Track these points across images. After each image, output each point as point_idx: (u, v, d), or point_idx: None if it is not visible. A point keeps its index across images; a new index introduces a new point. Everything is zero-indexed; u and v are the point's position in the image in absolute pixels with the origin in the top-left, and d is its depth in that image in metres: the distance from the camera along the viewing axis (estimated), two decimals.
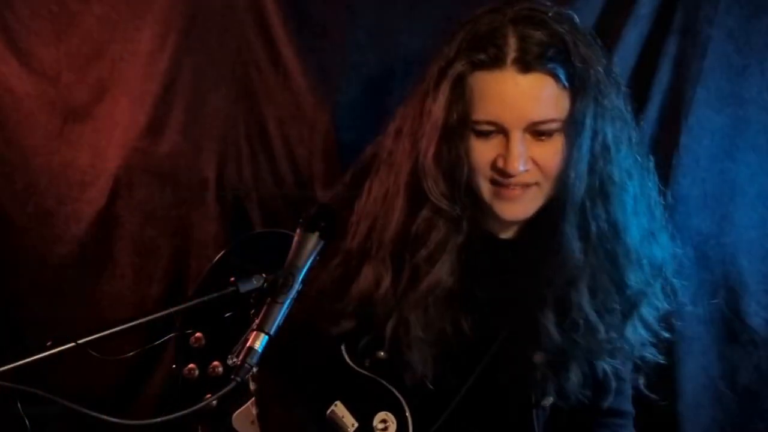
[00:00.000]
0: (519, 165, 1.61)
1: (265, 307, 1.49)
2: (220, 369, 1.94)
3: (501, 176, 1.65)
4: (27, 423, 1.43)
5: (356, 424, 1.80)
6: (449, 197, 1.69)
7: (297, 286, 1.51)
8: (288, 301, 1.49)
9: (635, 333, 1.79)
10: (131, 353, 1.62)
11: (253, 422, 1.90)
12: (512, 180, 1.64)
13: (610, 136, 1.67)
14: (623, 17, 2.27)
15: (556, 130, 1.64)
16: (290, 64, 2.46)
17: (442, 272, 1.72)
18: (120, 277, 2.64)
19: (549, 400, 1.83)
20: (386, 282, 1.75)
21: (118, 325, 1.46)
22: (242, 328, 1.90)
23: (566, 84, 1.62)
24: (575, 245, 1.68)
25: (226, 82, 2.54)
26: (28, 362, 1.37)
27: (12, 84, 2.64)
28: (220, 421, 1.94)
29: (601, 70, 1.67)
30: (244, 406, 1.93)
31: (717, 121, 2.28)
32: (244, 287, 1.50)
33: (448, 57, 1.67)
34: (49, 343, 1.41)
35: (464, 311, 1.75)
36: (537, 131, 1.63)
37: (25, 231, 2.70)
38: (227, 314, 1.60)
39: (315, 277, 1.65)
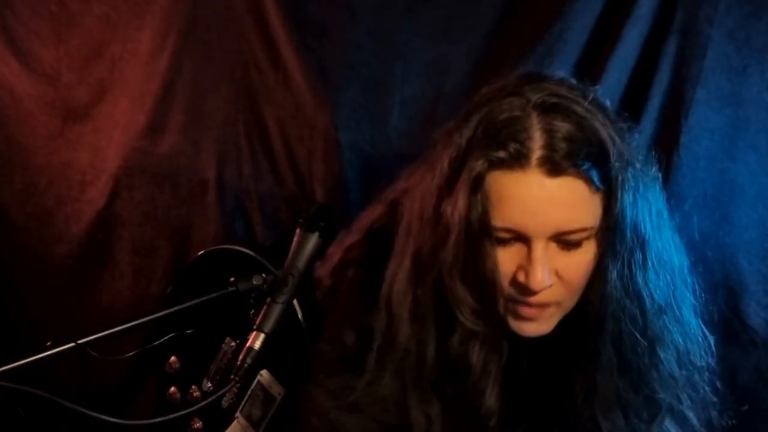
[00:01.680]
0: (543, 279, 1.39)
1: (264, 307, 1.49)
2: (198, 394, 1.96)
3: (521, 293, 1.43)
4: (27, 424, 1.43)
5: None
6: (483, 316, 1.46)
7: (296, 286, 1.51)
8: (287, 300, 1.50)
9: None
10: (131, 353, 1.62)
11: None
12: (533, 298, 1.42)
13: (648, 235, 1.46)
14: (623, 17, 2.27)
15: (587, 237, 1.42)
16: (290, 64, 2.46)
17: (493, 399, 1.49)
18: (120, 277, 2.64)
19: None
20: (438, 418, 1.52)
21: (118, 325, 1.46)
22: (213, 352, 1.92)
23: (601, 187, 1.39)
24: (611, 354, 1.47)
25: (226, 82, 2.54)
26: (28, 362, 1.37)
27: (12, 84, 2.64)
28: None
29: (639, 165, 1.46)
30: (231, 426, 1.94)
31: (717, 121, 2.27)
32: (244, 287, 1.50)
33: (461, 147, 1.43)
34: (49, 343, 1.41)
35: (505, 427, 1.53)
36: (565, 241, 1.41)
37: (25, 231, 2.70)
38: (192, 331, 1.58)
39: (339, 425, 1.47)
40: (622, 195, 1.40)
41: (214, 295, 1.50)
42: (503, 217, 1.39)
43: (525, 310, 1.45)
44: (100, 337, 1.44)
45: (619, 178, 1.40)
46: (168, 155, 2.56)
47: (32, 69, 2.64)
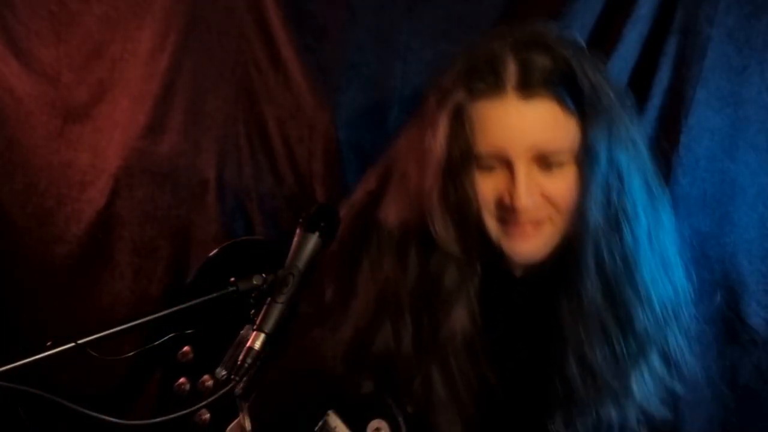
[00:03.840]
0: (526, 198, 1.50)
1: (265, 307, 1.49)
2: (210, 383, 1.95)
3: (509, 213, 1.54)
4: (27, 424, 1.43)
5: None
6: (460, 240, 1.58)
7: (296, 286, 1.51)
8: (287, 300, 1.49)
9: (641, 381, 1.67)
10: (131, 353, 1.62)
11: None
12: (521, 217, 1.53)
13: (624, 166, 1.55)
14: (623, 17, 2.27)
15: (567, 161, 1.53)
16: (290, 64, 2.46)
17: (460, 319, 1.59)
18: (120, 277, 2.64)
19: None
20: (408, 338, 1.63)
21: (118, 325, 1.46)
22: (229, 340, 1.92)
23: (574, 110, 1.52)
24: (595, 285, 1.56)
25: (226, 82, 2.54)
26: (28, 362, 1.37)
27: (12, 84, 2.64)
28: None
29: (612, 96, 1.56)
30: (236, 420, 1.94)
31: (717, 121, 2.28)
32: (244, 287, 1.50)
33: (445, 87, 1.57)
34: (49, 343, 1.41)
35: (488, 362, 1.62)
36: (545, 162, 1.52)
37: (25, 231, 2.69)
38: (217, 321, 1.58)
39: (321, 340, 1.56)
40: (595, 120, 1.50)
41: (214, 295, 1.50)
42: (486, 143, 1.50)
43: (518, 229, 1.53)
44: (100, 337, 1.44)
45: (592, 103, 1.50)
46: (168, 155, 2.56)
47: (32, 69, 2.64)
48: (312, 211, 1.58)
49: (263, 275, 1.51)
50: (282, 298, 1.49)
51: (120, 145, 2.59)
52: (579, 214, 1.53)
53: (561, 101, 1.50)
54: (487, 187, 1.54)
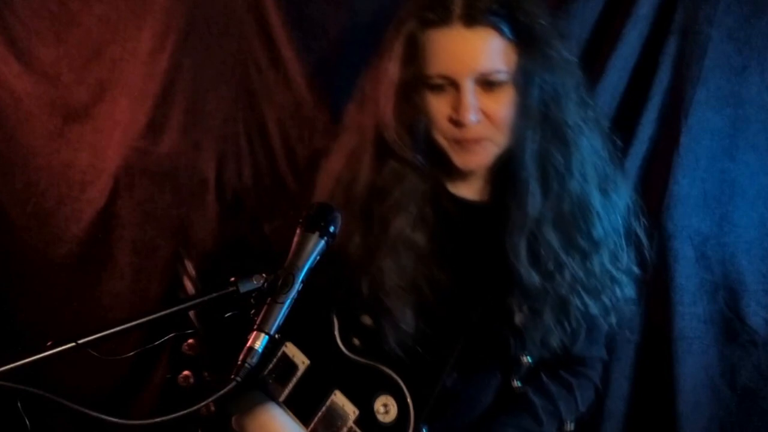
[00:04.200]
0: (470, 114, 1.70)
1: (265, 307, 1.49)
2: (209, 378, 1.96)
3: (456, 128, 1.74)
4: (27, 423, 1.43)
5: (357, 411, 1.81)
6: (412, 147, 1.78)
7: (297, 286, 1.51)
8: (288, 301, 1.49)
9: (603, 269, 1.85)
10: (131, 353, 1.62)
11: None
12: (467, 133, 1.73)
13: (559, 86, 1.75)
14: (623, 17, 2.27)
15: (505, 82, 1.72)
16: (290, 64, 2.46)
17: (409, 220, 1.79)
18: (120, 277, 2.64)
19: (529, 357, 1.88)
20: (357, 237, 1.80)
21: (118, 325, 1.46)
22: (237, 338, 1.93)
23: (511, 37, 1.71)
24: (537, 192, 1.76)
25: (226, 82, 2.54)
26: (28, 362, 1.37)
27: (12, 84, 2.64)
28: (220, 424, 1.94)
29: (546, 24, 1.75)
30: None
31: (717, 121, 2.28)
32: (244, 287, 1.50)
33: (400, 18, 1.78)
34: (49, 343, 1.41)
35: (438, 268, 1.80)
36: (486, 82, 1.71)
37: (25, 231, 2.69)
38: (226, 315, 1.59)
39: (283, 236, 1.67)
40: (530, 46, 1.71)
41: (214, 295, 1.50)
42: (435, 66, 1.71)
43: (463, 144, 1.75)
44: (100, 337, 1.44)
45: (527, 31, 1.71)
46: (168, 155, 2.56)
47: (32, 69, 2.63)
48: (312, 211, 1.58)
49: (263, 275, 1.51)
50: (282, 298, 1.48)
51: (120, 145, 2.58)
52: (515, 131, 1.74)
53: (500, 30, 1.70)
54: (437, 106, 1.75)
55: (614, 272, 1.88)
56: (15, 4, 2.61)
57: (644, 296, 2.32)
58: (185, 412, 1.44)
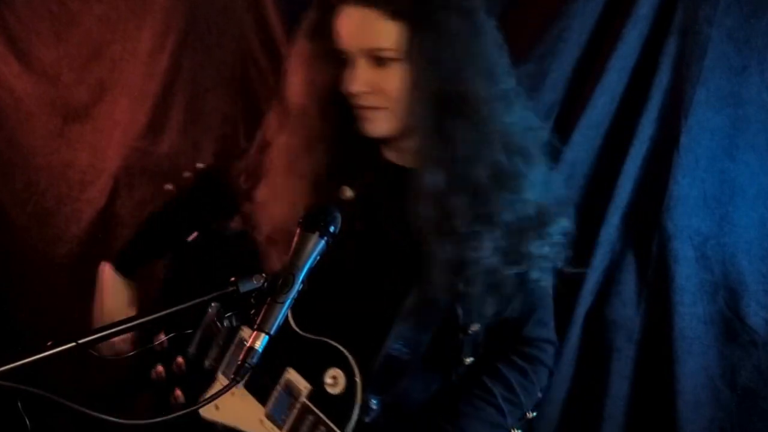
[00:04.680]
0: (352, 86, 1.79)
1: (265, 307, 1.49)
2: (182, 360, 1.98)
3: (353, 98, 1.83)
4: (27, 423, 1.43)
5: (309, 387, 1.81)
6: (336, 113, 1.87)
7: (297, 286, 1.51)
8: (288, 301, 1.49)
9: (527, 237, 1.86)
10: (131, 353, 1.62)
11: (217, 407, 1.91)
12: (360, 101, 1.82)
13: (460, 61, 1.78)
14: (623, 17, 2.27)
15: (396, 58, 1.78)
16: None
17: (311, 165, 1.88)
18: None
19: (475, 326, 1.88)
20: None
21: (118, 325, 1.46)
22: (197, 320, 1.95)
23: (398, 15, 1.76)
24: (431, 164, 1.79)
25: (226, 82, 2.54)
26: (28, 362, 1.37)
27: (12, 84, 2.64)
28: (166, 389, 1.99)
29: (440, 2, 1.79)
30: (208, 393, 1.95)
31: (717, 121, 2.28)
32: (244, 287, 1.50)
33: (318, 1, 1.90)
34: (49, 343, 1.41)
35: (361, 222, 1.86)
36: (376, 58, 1.79)
37: (25, 231, 2.70)
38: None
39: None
40: (421, 23, 1.76)
41: (214, 295, 1.50)
42: (337, 41, 1.81)
43: (362, 113, 1.83)
44: (100, 337, 1.44)
45: (420, 10, 1.76)
46: (168, 155, 2.56)
47: (32, 69, 2.64)
48: (312, 211, 1.58)
49: (263, 275, 1.51)
50: (282, 298, 1.48)
51: (120, 145, 2.59)
52: (408, 106, 1.80)
53: (387, 9, 1.77)
54: (343, 77, 1.83)
55: (539, 240, 1.88)
56: (15, 4, 2.62)
57: (644, 296, 2.32)
58: (185, 412, 1.44)
